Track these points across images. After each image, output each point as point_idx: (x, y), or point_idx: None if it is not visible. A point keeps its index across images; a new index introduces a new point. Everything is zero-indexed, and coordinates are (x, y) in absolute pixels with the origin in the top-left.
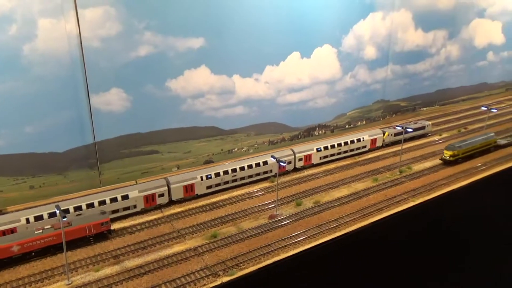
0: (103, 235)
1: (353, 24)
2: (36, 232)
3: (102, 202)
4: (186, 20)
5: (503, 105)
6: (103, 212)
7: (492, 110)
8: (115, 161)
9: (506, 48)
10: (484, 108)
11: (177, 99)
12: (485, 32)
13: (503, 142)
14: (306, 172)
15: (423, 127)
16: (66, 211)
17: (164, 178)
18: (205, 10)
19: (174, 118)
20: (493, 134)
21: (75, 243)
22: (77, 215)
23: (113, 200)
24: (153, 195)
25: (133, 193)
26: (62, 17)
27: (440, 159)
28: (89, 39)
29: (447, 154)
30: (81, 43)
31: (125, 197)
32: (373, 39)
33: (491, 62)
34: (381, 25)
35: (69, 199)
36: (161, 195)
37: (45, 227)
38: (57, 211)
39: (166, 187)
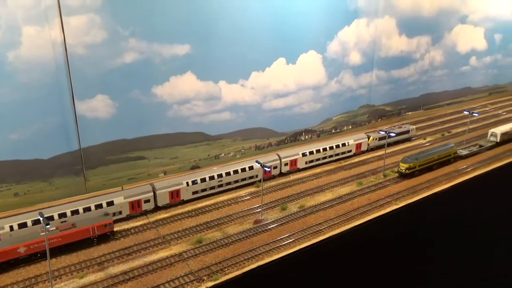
0: (106, 236)
1: (338, 30)
2: (41, 234)
3: (87, 209)
4: (172, 27)
5: (487, 109)
6: (107, 214)
7: (474, 114)
8: (101, 168)
9: (488, 54)
10: (466, 113)
11: (163, 105)
12: (468, 38)
13: (464, 152)
14: (292, 177)
15: (407, 131)
16: (50, 218)
17: (150, 184)
18: (190, 17)
19: (160, 124)
20: (453, 144)
21: (78, 245)
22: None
23: (98, 206)
24: (138, 201)
25: (118, 199)
26: (46, 24)
27: (396, 171)
28: (74, 46)
29: (403, 167)
30: (66, 50)
31: (110, 204)
32: (358, 45)
33: (474, 67)
34: (365, 31)
35: (54, 206)
36: (147, 201)
37: (50, 229)
38: (41, 219)
39: (152, 193)
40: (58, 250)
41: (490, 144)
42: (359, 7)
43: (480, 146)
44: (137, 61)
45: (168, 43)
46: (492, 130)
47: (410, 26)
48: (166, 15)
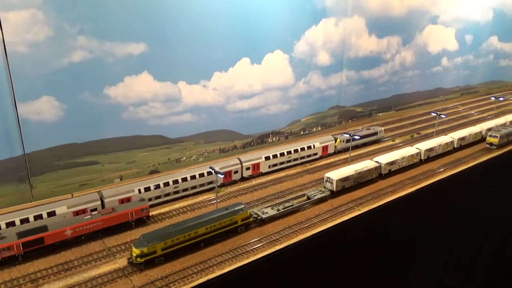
0: (142, 220)
1: (305, 29)
2: (85, 218)
3: (25, 220)
4: (124, 24)
5: (460, 109)
6: (142, 199)
7: (441, 116)
8: (48, 174)
9: (460, 54)
10: (434, 114)
11: (117, 107)
12: (439, 39)
13: (270, 213)
14: (254, 181)
15: (375, 133)
16: None
17: (98, 191)
18: (145, 14)
19: (115, 127)
20: (242, 205)
21: (118, 228)
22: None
23: (38, 217)
24: (84, 211)
25: (61, 209)
26: None
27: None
28: (14, 44)
29: (135, 252)
30: (5, 48)
31: (51, 214)
32: (326, 45)
33: (445, 68)
34: (334, 31)
35: None
36: (94, 210)
37: (93, 213)
38: None
39: (99, 201)
40: (101, 233)
41: (322, 195)
42: (327, 6)
43: (308, 198)
44: (87, 60)
45: (121, 42)
46: (328, 174)
47: (380, 26)
48: (118, 11)
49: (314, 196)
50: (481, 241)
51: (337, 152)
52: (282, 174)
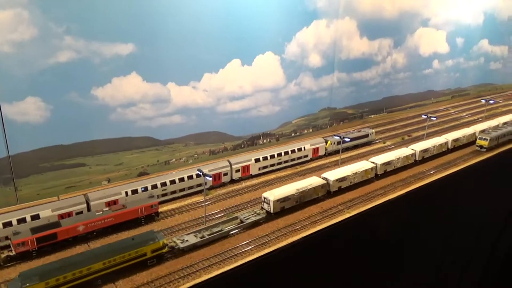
0: (151, 217)
1: (296, 31)
2: (97, 214)
3: (8, 224)
4: (112, 24)
5: (451, 111)
6: (152, 196)
7: (432, 118)
8: (34, 176)
9: (451, 57)
10: (424, 117)
11: (105, 108)
12: (430, 41)
13: (190, 241)
14: (244, 184)
15: (366, 135)
16: None
17: (84, 194)
18: (133, 14)
19: (102, 129)
20: (154, 234)
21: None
22: None
23: (21, 221)
24: (69, 214)
25: (45, 213)
26: None
27: None
28: None
29: None
30: None
31: (35, 217)
32: (317, 46)
33: (436, 70)
34: (325, 32)
35: None
36: (79, 213)
37: (104, 209)
38: None
39: (85, 205)
40: (111, 229)
41: (256, 217)
42: (318, 7)
43: (241, 221)
44: (74, 60)
45: (109, 42)
46: (265, 194)
47: (372, 28)
48: (106, 11)
49: (247, 219)
50: (472, 244)
51: (328, 154)
52: (272, 176)
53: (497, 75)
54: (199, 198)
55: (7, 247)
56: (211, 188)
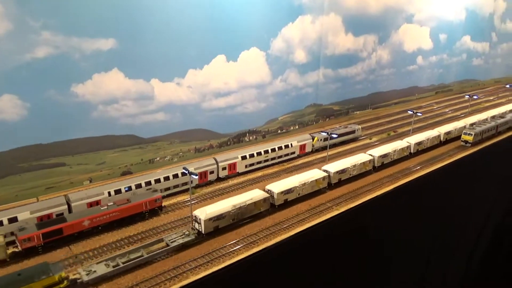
0: (155, 211)
1: (282, 26)
2: (102, 208)
3: None
4: (92, 19)
5: (435, 107)
6: (155, 190)
7: (418, 114)
8: (11, 177)
9: (434, 53)
10: (410, 112)
11: (86, 106)
12: (414, 37)
13: (89, 276)
14: (231, 182)
15: (353, 131)
16: None
17: (64, 195)
18: (115, 9)
19: (83, 127)
20: (49, 267)
21: (132, 218)
22: None
23: None
24: (49, 216)
25: (23, 215)
26: None
27: None
28: None
29: None
30: None
31: (13, 220)
32: (303, 42)
33: (420, 66)
34: (310, 28)
35: None
36: (59, 215)
37: (109, 204)
38: None
39: (66, 206)
40: (116, 224)
41: (185, 239)
42: (303, 2)
43: (167, 244)
44: (52, 56)
45: (89, 37)
46: (196, 212)
47: (357, 24)
48: (85, 5)
49: (173, 241)
50: (457, 240)
51: (315, 151)
52: (259, 173)
53: (479, 71)
54: (185, 197)
55: None
56: (197, 186)
